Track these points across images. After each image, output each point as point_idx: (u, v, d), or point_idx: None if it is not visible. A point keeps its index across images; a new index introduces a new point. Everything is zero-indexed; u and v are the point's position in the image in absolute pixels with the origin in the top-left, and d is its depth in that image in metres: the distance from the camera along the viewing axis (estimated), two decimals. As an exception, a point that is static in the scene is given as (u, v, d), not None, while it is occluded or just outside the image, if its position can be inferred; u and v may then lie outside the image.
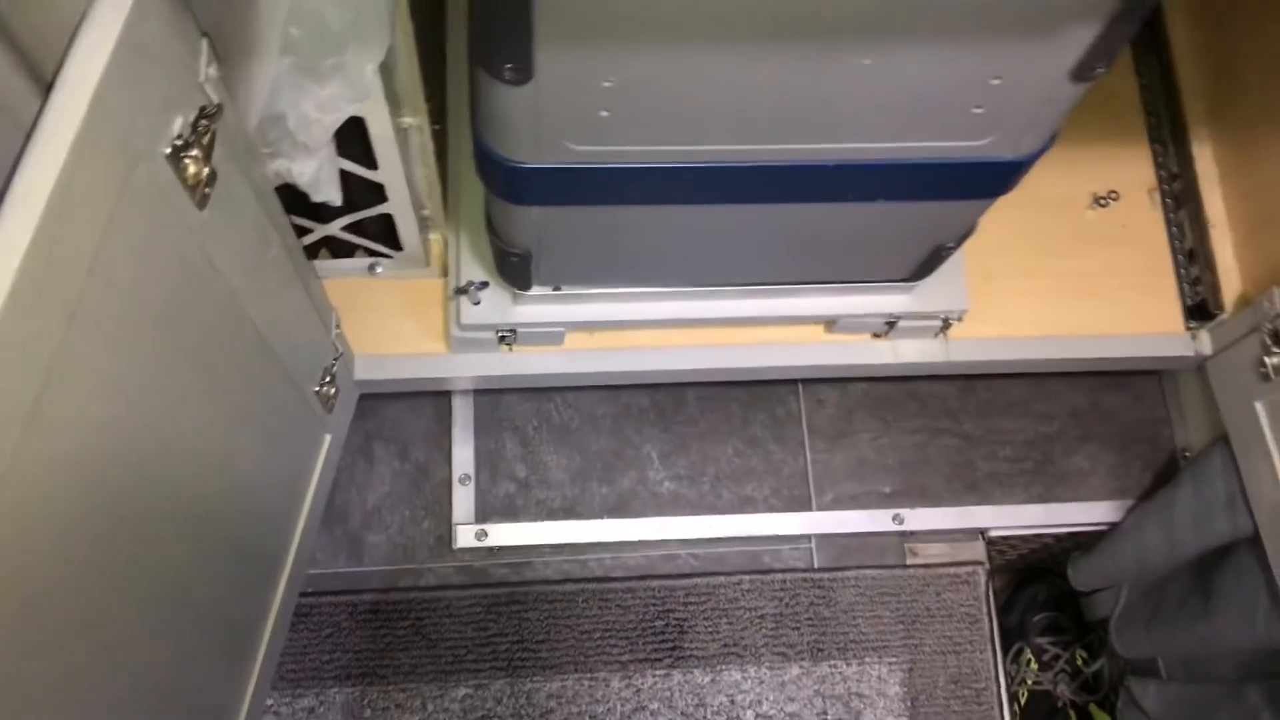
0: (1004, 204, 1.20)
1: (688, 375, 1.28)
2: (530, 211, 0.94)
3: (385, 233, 1.18)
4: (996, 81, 0.80)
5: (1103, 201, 1.32)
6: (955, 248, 1.07)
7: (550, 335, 1.20)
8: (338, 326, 1.09)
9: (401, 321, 1.23)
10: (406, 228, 1.16)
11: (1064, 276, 1.29)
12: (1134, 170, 1.35)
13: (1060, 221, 1.32)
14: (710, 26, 0.73)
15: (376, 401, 1.37)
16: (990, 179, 0.93)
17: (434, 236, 1.23)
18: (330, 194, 0.95)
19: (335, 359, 1.08)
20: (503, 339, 1.19)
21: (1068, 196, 1.33)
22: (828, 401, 1.41)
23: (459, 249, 1.15)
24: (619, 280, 1.12)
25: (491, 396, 1.38)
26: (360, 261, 1.24)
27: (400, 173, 1.04)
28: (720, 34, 0.74)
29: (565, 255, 1.04)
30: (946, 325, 1.22)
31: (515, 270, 1.07)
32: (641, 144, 0.85)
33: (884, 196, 0.94)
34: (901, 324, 1.21)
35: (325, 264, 1.23)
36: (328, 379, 1.07)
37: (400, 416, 1.38)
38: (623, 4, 0.70)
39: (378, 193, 1.08)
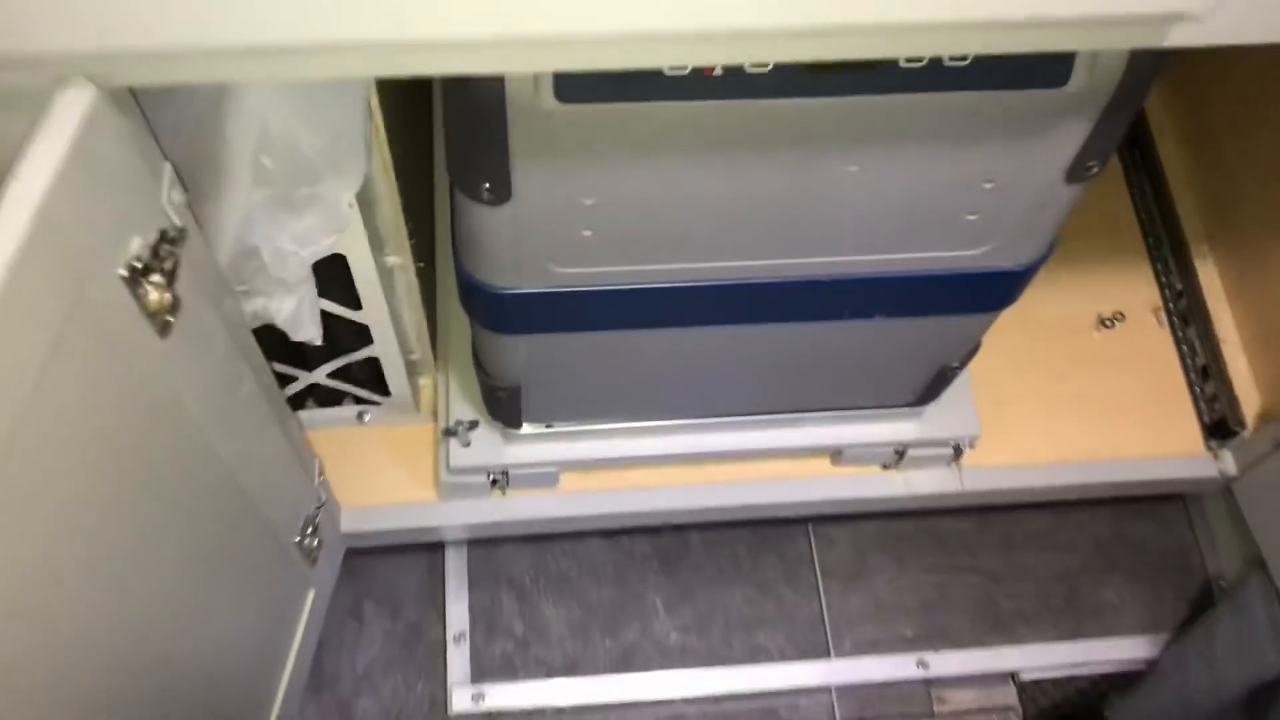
0: (1008, 328, 1.17)
1: (691, 515, 1.22)
2: (516, 342, 0.91)
3: (372, 378, 1.15)
4: (989, 185, 0.77)
5: (1108, 323, 1.29)
6: (960, 368, 1.03)
7: (544, 477, 1.15)
8: (321, 474, 1.05)
9: (390, 470, 1.18)
10: (394, 372, 1.12)
11: (1076, 400, 1.25)
12: (1137, 290, 1.32)
13: (1067, 344, 1.29)
14: (690, 142, 0.71)
15: (367, 558, 1.31)
16: (991, 291, 0.90)
17: (424, 381, 1.20)
18: (310, 332, 0.92)
19: (318, 508, 1.03)
20: (494, 482, 1.14)
21: (1072, 319, 1.30)
22: (840, 541, 1.35)
23: (448, 390, 1.12)
24: (613, 414, 1.07)
25: (486, 547, 1.32)
26: (347, 410, 1.21)
27: (385, 314, 1.01)
28: (700, 148, 0.72)
29: (555, 389, 1.00)
30: (958, 453, 1.17)
31: (505, 408, 1.03)
32: (626, 264, 0.82)
33: (882, 313, 0.90)
34: (911, 453, 1.16)
35: (311, 414, 1.20)
36: (310, 530, 1.02)
37: (391, 573, 1.32)
38: (599, 122, 0.69)
39: (363, 335, 1.05)
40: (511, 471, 1.12)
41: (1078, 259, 1.32)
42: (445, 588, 1.30)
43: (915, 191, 0.77)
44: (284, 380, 1.11)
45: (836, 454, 1.18)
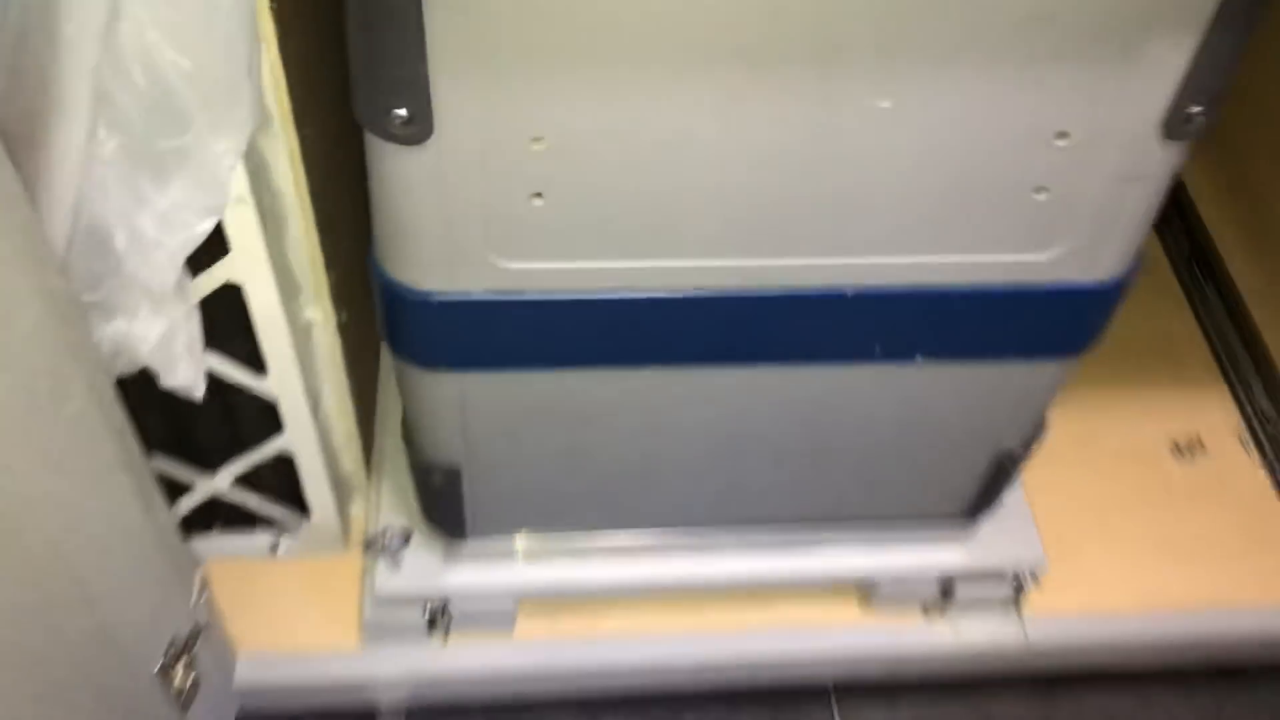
0: (1068, 458, 1.03)
1: (683, 675, 0.96)
2: (449, 384, 0.70)
3: (288, 491, 0.93)
4: (1063, 142, 0.59)
5: (1185, 451, 1.08)
6: (1022, 456, 0.81)
7: (497, 616, 0.90)
8: (205, 590, 0.81)
9: (304, 610, 0.94)
10: (313, 480, 0.90)
11: (1155, 540, 1.02)
12: (1212, 414, 1.12)
13: (1140, 476, 1.07)
14: (675, 48, 0.54)
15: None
16: (1064, 318, 0.70)
17: (356, 506, 0.97)
18: (187, 376, 0.71)
19: (194, 634, 0.79)
20: (432, 622, 0.90)
21: (1143, 448, 1.09)
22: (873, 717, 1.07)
23: (379, 495, 0.89)
24: (581, 520, 0.85)
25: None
26: (259, 539, 0.97)
27: (298, 382, 0.81)
28: (689, 56, 0.54)
29: (504, 471, 0.78)
30: (1019, 590, 0.93)
31: (443, 504, 0.81)
32: (590, 256, 0.63)
33: (925, 350, 0.70)
34: (961, 590, 0.92)
35: (212, 543, 0.97)
36: (180, 659, 0.77)
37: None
38: (551, 13, 0.51)
39: (270, 417, 0.84)
40: (455, 605, 0.88)
41: (1141, 380, 1.13)
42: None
43: (965, 141, 0.59)
44: (176, 491, 0.90)
45: (868, 592, 0.94)
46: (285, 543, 0.97)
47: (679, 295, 0.65)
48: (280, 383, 0.81)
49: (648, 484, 0.81)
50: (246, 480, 0.91)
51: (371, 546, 0.85)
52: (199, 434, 0.86)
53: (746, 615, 0.94)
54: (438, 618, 0.89)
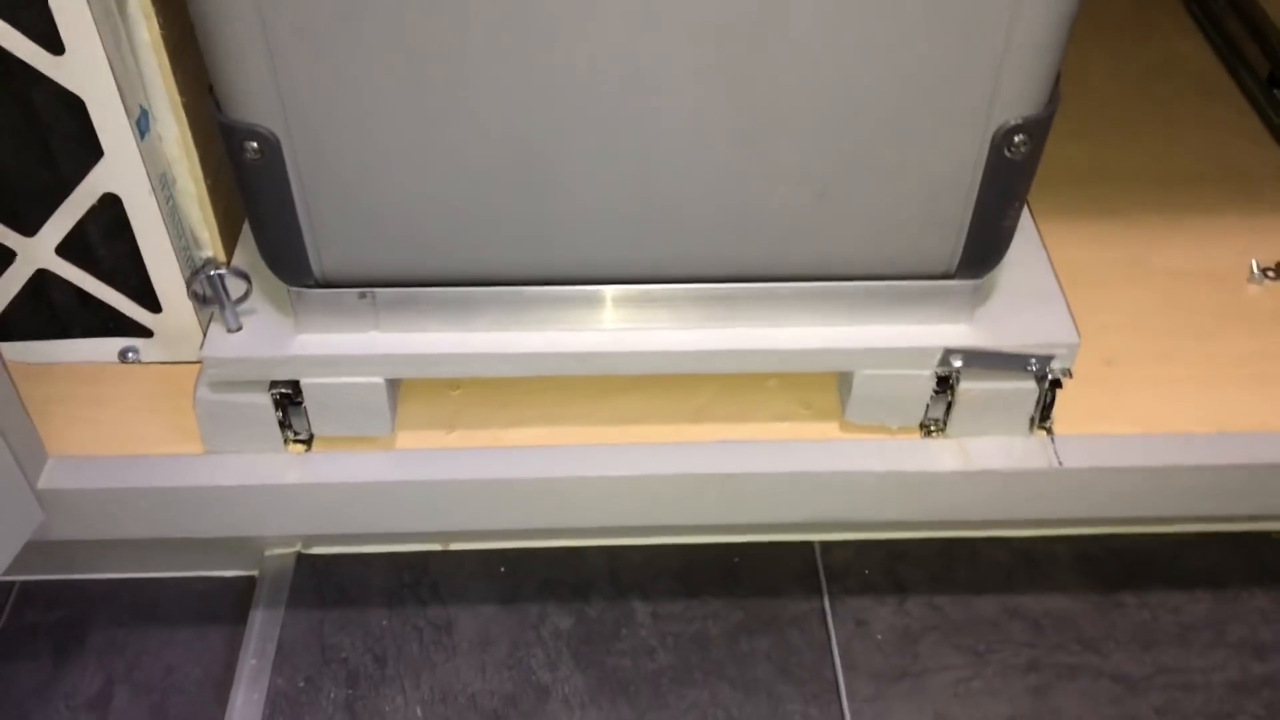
0: (1121, 276, 0.86)
1: (616, 491, 0.75)
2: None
3: (136, 285, 0.76)
4: None
5: (1272, 273, 0.86)
6: (1029, 145, 0.61)
7: (363, 407, 0.71)
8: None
9: (147, 419, 0.76)
10: (152, 248, 0.74)
11: (1222, 365, 0.79)
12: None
13: (1210, 298, 0.84)
14: None
15: (136, 629, 0.85)
16: None
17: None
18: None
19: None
20: (285, 418, 0.71)
21: (1219, 268, 0.86)
22: (874, 623, 0.84)
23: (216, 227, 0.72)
24: (456, 258, 0.66)
25: (313, 609, 0.85)
26: (108, 344, 0.81)
27: (108, 77, 0.65)
28: None
29: (339, 158, 0.60)
30: (1049, 390, 0.71)
31: (271, 209, 0.63)
32: None
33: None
34: (965, 386, 0.71)
35: (54, 346, 0.80)
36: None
37: (168, 650, 0.84)
38: None
39: (86, 146, 0.69)
40: (308, 384, 0.70)
41: (1217, 207, 0.91)
42: (238, 668, 0.82)
43: None
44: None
45: (846, 392, 0.73)
46: (140, 347, 0.80)
47: None
48: (86, 72, 0.65)
49: (532, 194, 0.62)
50: (77, 253, 0.75)
51: (195, 291, 0.67)
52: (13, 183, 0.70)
53: (698, 430, 0.74)
54: (289, 408, 0.71)
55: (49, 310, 0.79)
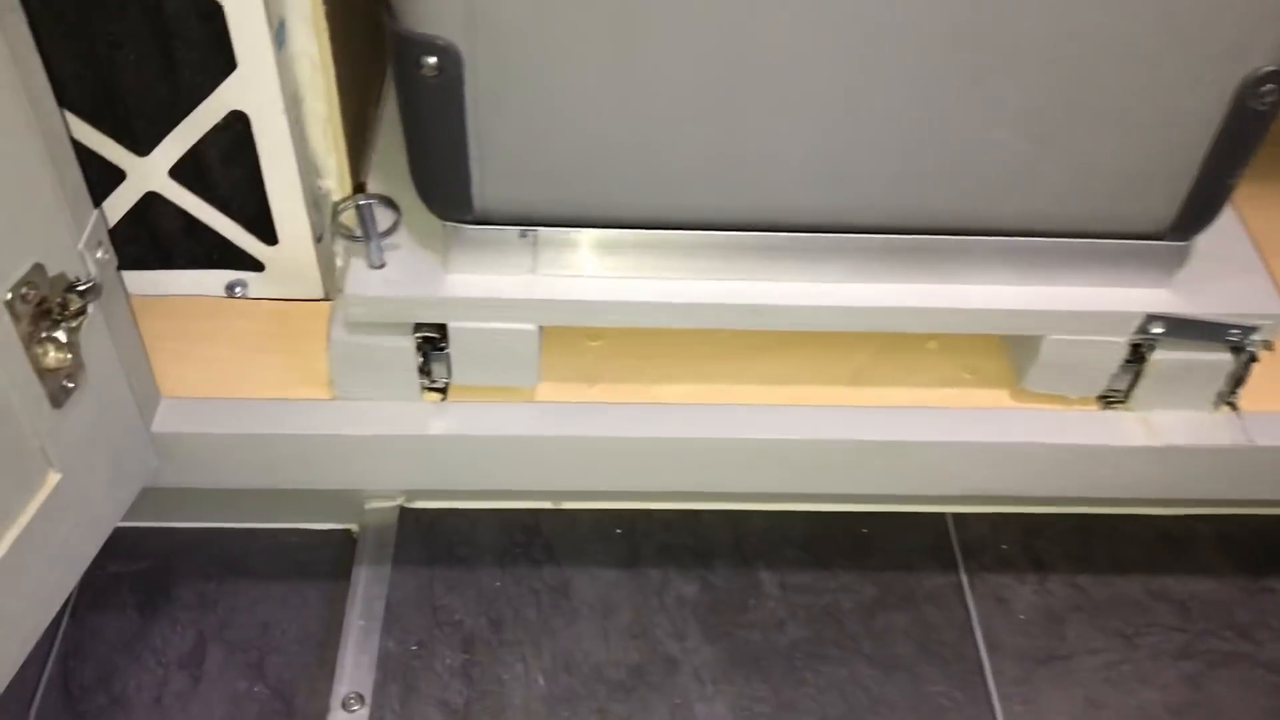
0: None
1: (785, 454, 0.70)
2: None
3: (250, 204, 0.70)
4: None
5: None
6: (1278, 98, 0.56)
7: (512, 354, 0.66)
8: (101, 241, 0.58)
9: (265, 359, 0.71)
10: (277, 174, 0.68)
11: None
12: None
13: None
14: None
15: (227, 582, 0.80)
16: None
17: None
18: None
19: (71, 287, 0.55)
20: (425, 364, 0.66)
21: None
22: (1014, 601, 0.80)
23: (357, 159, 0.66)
24: (629, 200, 0.60)
25: (421, 567, 0.80)
26: (214, 276, 0.75)
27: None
28: None
29: (524, 87, 0.54)
30: (1246, 363, 0.66)
31: (440, 141, 0.57)
32: None
33: None
34: (1158, 356, 0.66)
35: (158, 277, 0.74)
36: (55, 326, 0.54)
37: (261, 606, 0.79)
38: None
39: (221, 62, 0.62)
40: (456, 328, 0.64)
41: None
42: (344, 629, 0.77)
43: None
44: (103, 172, 0.68)
45: (1025, 356, 0.68)
46: (247, 281, 0.74)
47: None
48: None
49: (726, 132, 0.56)
50: (192, 176, 0.69)
51: (344, 232, 0.61)
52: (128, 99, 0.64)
53: (856, 394, 0.69)
54: (433, 354, 0.65)
55: (150, 237, 0.73)
